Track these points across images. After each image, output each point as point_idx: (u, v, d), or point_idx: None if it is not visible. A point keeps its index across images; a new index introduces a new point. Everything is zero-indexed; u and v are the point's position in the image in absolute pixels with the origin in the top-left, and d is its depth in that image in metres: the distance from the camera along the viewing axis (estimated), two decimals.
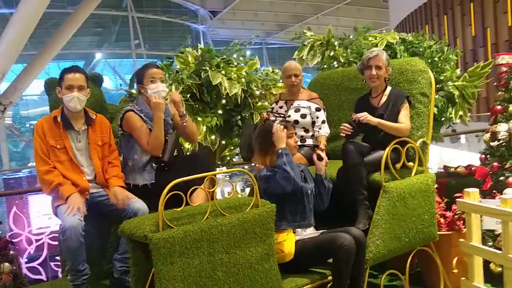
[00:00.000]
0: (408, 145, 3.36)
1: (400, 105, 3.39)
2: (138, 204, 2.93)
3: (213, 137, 4.14)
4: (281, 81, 4.36)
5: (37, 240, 4.80)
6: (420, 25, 16.07)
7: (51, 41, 14.26)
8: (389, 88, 3.50)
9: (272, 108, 4.19)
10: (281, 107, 4.12)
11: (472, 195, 3.43)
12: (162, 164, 3.19)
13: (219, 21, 27.29)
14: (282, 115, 4.05)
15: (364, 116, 3.28)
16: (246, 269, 2.59)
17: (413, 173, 3.39)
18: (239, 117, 4.18)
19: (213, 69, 4.06)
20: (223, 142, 4.23)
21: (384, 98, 3.47)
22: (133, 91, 4.20)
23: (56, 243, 4.93)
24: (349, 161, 3.23)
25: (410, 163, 3.39)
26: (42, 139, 2.94)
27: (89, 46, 24.01)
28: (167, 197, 2.38)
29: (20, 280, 3.33)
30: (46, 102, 3.83)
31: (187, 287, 2.38)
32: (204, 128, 4.05)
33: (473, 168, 4.42)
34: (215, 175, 2.67)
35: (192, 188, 2.54)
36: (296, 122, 4.02)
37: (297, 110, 4.10)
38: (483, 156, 4.10)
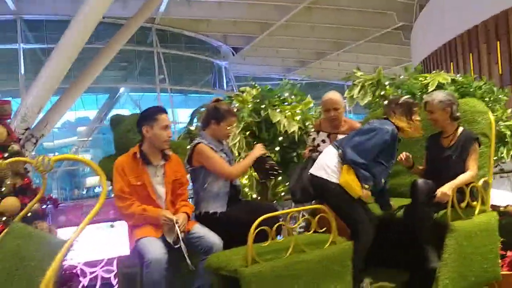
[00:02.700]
0: (471, 184, 3.40)
1: (469, 148, 3.44)
2: (214, 238, 3.00)
3: None
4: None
5: (91, 273, 4.88)
6: (445, 63, 16.18)
7: (82, 75, 14.66)
8: (461, 129, 3.54)
9: (314, 139, 4.11)
10: (323, 141, 4.05)
11: None
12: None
13: (240, 57, 27.73)
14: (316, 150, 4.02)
15: (442, 197, 3.26)
16: None
17: (476, 212, 3.43)
18: (295, 153, 4.29)
19: (271, 107, 4.19)
20: (279, 178, 4.32)
21: (454, 139, 3.51)
22: (192, 127, 4.34)
23: (109, 275, 5.02)
24: (419, 200, 3.27)
25: (474, 203, 3.43)
26: (123, 177, 3.05)
27: (113, 80, 24.54)
28: (256, 232, 2.46)
29: None
30: (65, 134, 3.99)
31: None
32: None
33: None
34: (299, 211, 2.74)
35: (277, 224, 2.62)
36: None
37: None
38: None
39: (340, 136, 4.03)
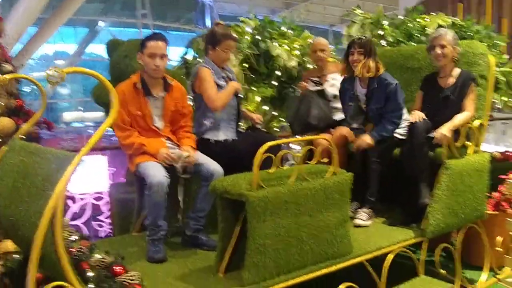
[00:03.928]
0: (467, 125, 3.46)
1: (467, 88, 3.46)
2: (214, 165, 3.01)
3: (265, 107, 4.23)
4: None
5: (81, 199, 4.88)
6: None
7: (62, 6, 14.17)
8: (457, 70, 3.56)
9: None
10: (321, 84, 4.04)
11: None
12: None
13: None
14: (318, 82, 4.03)
15: (441, 137, 3.29)
16: (325, 233, 2.71)
17: (469, 152, 3.50)
18: (291, 89, 4.27)
19: (271, 40, 4.12)
20: (275, 113, 4.32)
21: (451, 80, 3.53)
22: (189, 57, 4.25)
23: (99, 203, 5.04)
24: (417, 139, 3.31)
25: (468, 143, 3.50)
26: (124, 107, 2.97)
27: (93, 13, 23.73)
28: (262, 158, 2.48)
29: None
30: (43, 67, 3.90)
31: (275, 244, 2.49)
32: (259, 99, 4.14)
33: (509, 154, 4.54)
34: (309, 140, 2.76)
35: (282, 152, 2.64)
36: (335, 96, 3.98)
37: (332, 86, 4.03)
38: None
39: (330, 77, 4.04)
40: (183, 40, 25.39)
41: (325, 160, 2.81)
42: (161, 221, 2.89)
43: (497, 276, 3.72)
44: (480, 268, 3.73)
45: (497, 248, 3.72)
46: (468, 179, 3.42)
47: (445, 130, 3.30)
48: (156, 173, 2.80)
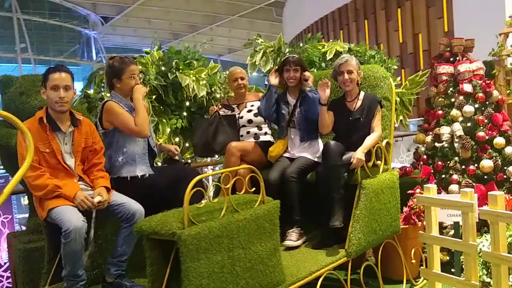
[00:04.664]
0: (376, 145, 3.61)
1: (374, 110, 3.64)
2: (134, 205, 2.84)
3: (177, 139, 4.12)
4: None
5: None
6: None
7: None
8: (362, 93, 3.74)
9: (220, 108, 4.17)
10: (232, 111, 4.16)
11: (431, 191, 3.78)
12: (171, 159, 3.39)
13: (111, 27, 26.45)
14: (230, 107, 4.17)
15: (358, 163, 3.41)
16: (258, 264, 2.64)
17: (380, 171, 3.65)
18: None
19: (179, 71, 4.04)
20: (187, 144, 4.22)
21: (359, 103, 3.69)
22: (90, 91, 4.03)
23: None
24: (331, 161, 3.39)
25: (378, 162, 3.65)
26: (34, 143, 2.72)
27: None
28: (191, 193, 2.37)
29: None
30: None
31: (211, 283, 2.38)
32: (168, 130, 4.02)
33: (407, 169, 4.82)
34: (235, 170, 2.68)
35: (212, 184, 2.55)
36: (250, 121, 4.10)
37: (249, 111, 4.15)
38: (425, 157, 4.51)
39: (248, 104, 4.12)
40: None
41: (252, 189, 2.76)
42: (80, 270, 2.65)
43: (414, 287, 3.88)
44: (397, 282, 3.87)
45: (412, 261, 3.89)
46: (382, 197, 3.55)
47: (359, 154, 3.43)
48: (72, 218, 2.58)
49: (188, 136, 4.21)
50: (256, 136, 4.10)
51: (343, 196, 3.41)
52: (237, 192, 2.77)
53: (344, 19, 15.32)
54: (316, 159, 3.66)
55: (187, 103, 4.11)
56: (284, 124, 3.82)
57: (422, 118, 4.91)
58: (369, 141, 3.54)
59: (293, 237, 3.37)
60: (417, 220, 4.00)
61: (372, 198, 3.45)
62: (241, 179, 2.74)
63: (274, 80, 3.85)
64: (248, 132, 4.07)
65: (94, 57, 25.78)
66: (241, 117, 4.14)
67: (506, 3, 9.21)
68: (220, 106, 4.08)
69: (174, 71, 3.95)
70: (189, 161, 4.04)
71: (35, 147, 2.73)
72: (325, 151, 3.45)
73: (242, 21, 26.92)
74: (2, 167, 4.32)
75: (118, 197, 2.88)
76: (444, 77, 4.40)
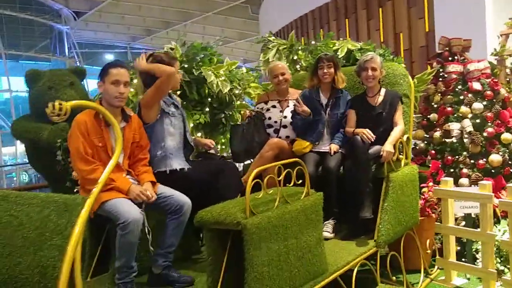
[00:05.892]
0: (399, 140, 3.76)
1: (396, 105, 3.80)
2: (182, 197, 2.90)
3: (199, 134, 4.17)
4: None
5: None
6: (296, 38, 17.02)
7: None
8: (383, 89, 3.88)
9: (257, 108, 4.25)
10: (274, 107, 4.17)
11: (448, 184, 3.97)
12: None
13: (83, 22, 25.96)
14: (261, 112, 4.15)
15: (388, 155, 3.56)
16: (307, 253, 2.75)
17: (402, 165, 3.80)
18: (223, 115, 4.27)
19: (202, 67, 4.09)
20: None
21: (380, 98, 3.83)
22: None
23: None
24: (360, 156, 3.51)
25: (400, 156, 3.80)
26: (86, 137, 2.76)
27: None
28: (253, 183, 2.45)
29: None
30: None
31: (271, 271, 2.47)
32: (191, 125, 4.07)
33: None
34: (286, 163, 2.77)
35: (268, 176, 2.63)
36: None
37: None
38: (433, 151, 4.70)
39: (291, 103, 4.14)
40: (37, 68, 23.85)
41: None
42: (133, 262, 2.70)
43: (430, 276, 4.05)
44: (413, 271, 4.02)
45: (427, 251, 4.06)
46: (406, 190, 3.70)
47: (389, 147, 3.57)
48: (130, 210, 2.62)
49: (210, 132, 4.27)
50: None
51: (371, 189, 3.55)
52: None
53: (325, 18, 15.52)
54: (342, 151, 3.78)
55: (209, 99, 4.17)
56: (321, 130, 3.90)
57: (421, 115, 5.12)
58: (395, 134, 3.69)
59: (329, 229, 3.48)
60: (432, 212, 4.18)
61: (398, 190, 3.59)
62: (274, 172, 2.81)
63: (305, 108, 3.89)
64: (287, 137, 4.07)
65: (67, 53, 25.32)
66: (285, 117, 4.12)
67: (486, 4, 9.54)
68: (252, 113, 4.09)
69: (198, 67, 4.00)
70: (225, 154, 4.10)
71: (90, 140, 2.77)
72: (353, 146, 3.58)
73: (217, 18, 26.81)
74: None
75: (165, 190, 2.93)
76: (454, 76, 4.59)
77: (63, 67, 23.66)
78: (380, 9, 13.18)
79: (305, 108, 3.86)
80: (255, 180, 2.48)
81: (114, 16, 26.44)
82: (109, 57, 31.58)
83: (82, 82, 3.92)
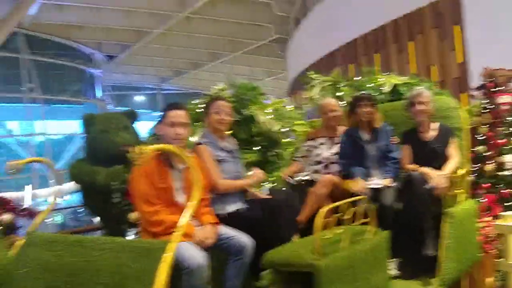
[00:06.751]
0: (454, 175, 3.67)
1: (450, 139, 3.74)
2: (244, 238, 2.87)
3: (250, 172, 4.15)
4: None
5: None
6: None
7: None
8: (436, 124, 3.82)
9: (309, 146, 4.18)
10: (322, 144, 4.13)
11: (509, 218, 3.84)
12: None
13: (114, 65, 26.63)
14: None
15: (439, 183, 3.47)
16: None
17: (461, 199, 3.70)
18: (274, 153, 4.26)
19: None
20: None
21: (433, 133, 3.78)
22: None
23: None
24: (419, 191, 3.44)
25: (458, 190, 3.70)
26: (149, 179, 2.78)
27: None
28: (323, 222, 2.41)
29: None
30: None
31: None
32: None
33: None
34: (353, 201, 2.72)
35: (337, 215, 2.58)
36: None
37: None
38: (489, 184, 4.56)
39: (337, 139, 4.08)
40: (72, 112, 24.46)
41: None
42: None
43: None
44: None
45: None
46: (466, 225, 3.59)
47: (443, 180, 3.48)
48: (196, 255, 2.58)
49: (262, 169, 4.25)
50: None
51: (431, 225, 3.45)
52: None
53: (353, 53, 15.58)
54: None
55: (258, 138, 4.18)
56: (370, 165, 3.80)
57: None
58: (450, 165, 3.62)
59: (394, 267, 3.38)
60: (491, 249, 4.02)
61: (458, 227, 3.48)
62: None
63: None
64: (338, 172, 3.94)
65: (98, 95, 25.97)
66: (335, 154, 4.04)
67: None
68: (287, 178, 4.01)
69: (248, 107, 4.03)
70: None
71: (153, 182, 2.77)
72: (411, 181, 3.50)
73: (244, 58, 27.22)
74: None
75: (226, 230, 2.91)
76: (505, 107, 4.51)
77: (95, 109, 24.26)
78: (411, 43, 13.19)
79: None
80: (327, 219, 2.43)
81: (143, 59, 27.08)
82: (139, 98, 32.25)
83: (133, 125, 3.96)
